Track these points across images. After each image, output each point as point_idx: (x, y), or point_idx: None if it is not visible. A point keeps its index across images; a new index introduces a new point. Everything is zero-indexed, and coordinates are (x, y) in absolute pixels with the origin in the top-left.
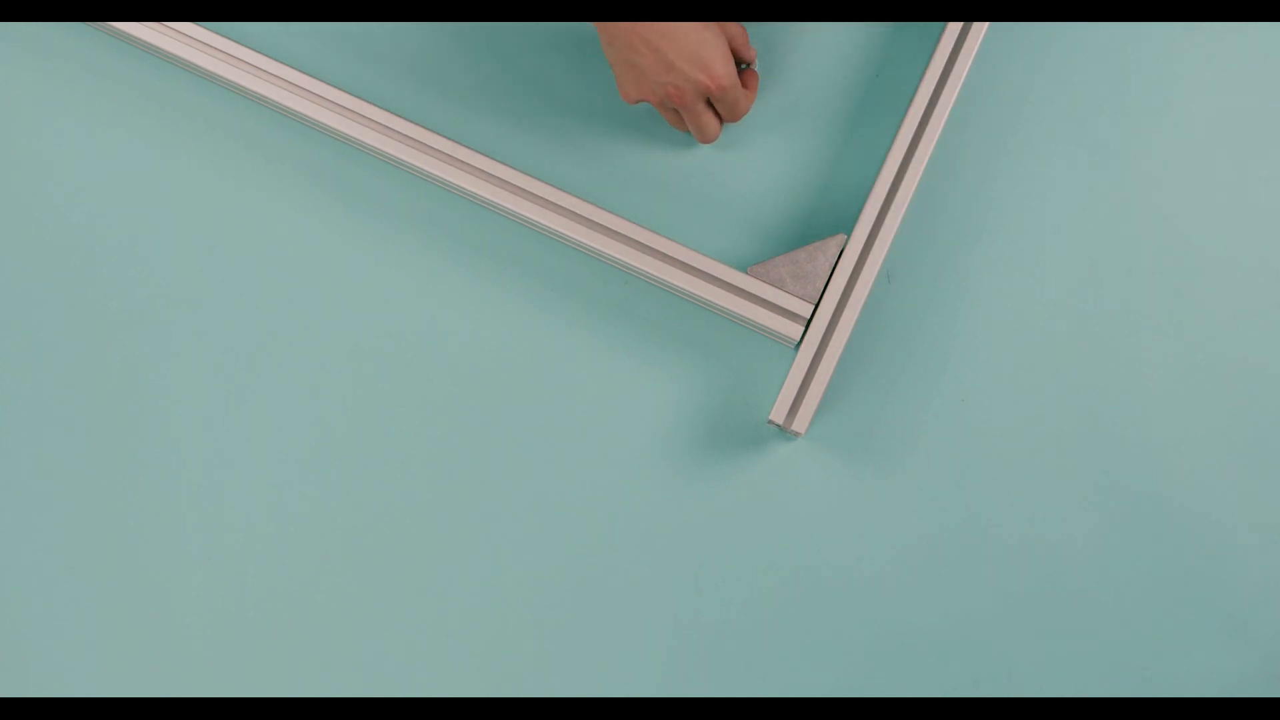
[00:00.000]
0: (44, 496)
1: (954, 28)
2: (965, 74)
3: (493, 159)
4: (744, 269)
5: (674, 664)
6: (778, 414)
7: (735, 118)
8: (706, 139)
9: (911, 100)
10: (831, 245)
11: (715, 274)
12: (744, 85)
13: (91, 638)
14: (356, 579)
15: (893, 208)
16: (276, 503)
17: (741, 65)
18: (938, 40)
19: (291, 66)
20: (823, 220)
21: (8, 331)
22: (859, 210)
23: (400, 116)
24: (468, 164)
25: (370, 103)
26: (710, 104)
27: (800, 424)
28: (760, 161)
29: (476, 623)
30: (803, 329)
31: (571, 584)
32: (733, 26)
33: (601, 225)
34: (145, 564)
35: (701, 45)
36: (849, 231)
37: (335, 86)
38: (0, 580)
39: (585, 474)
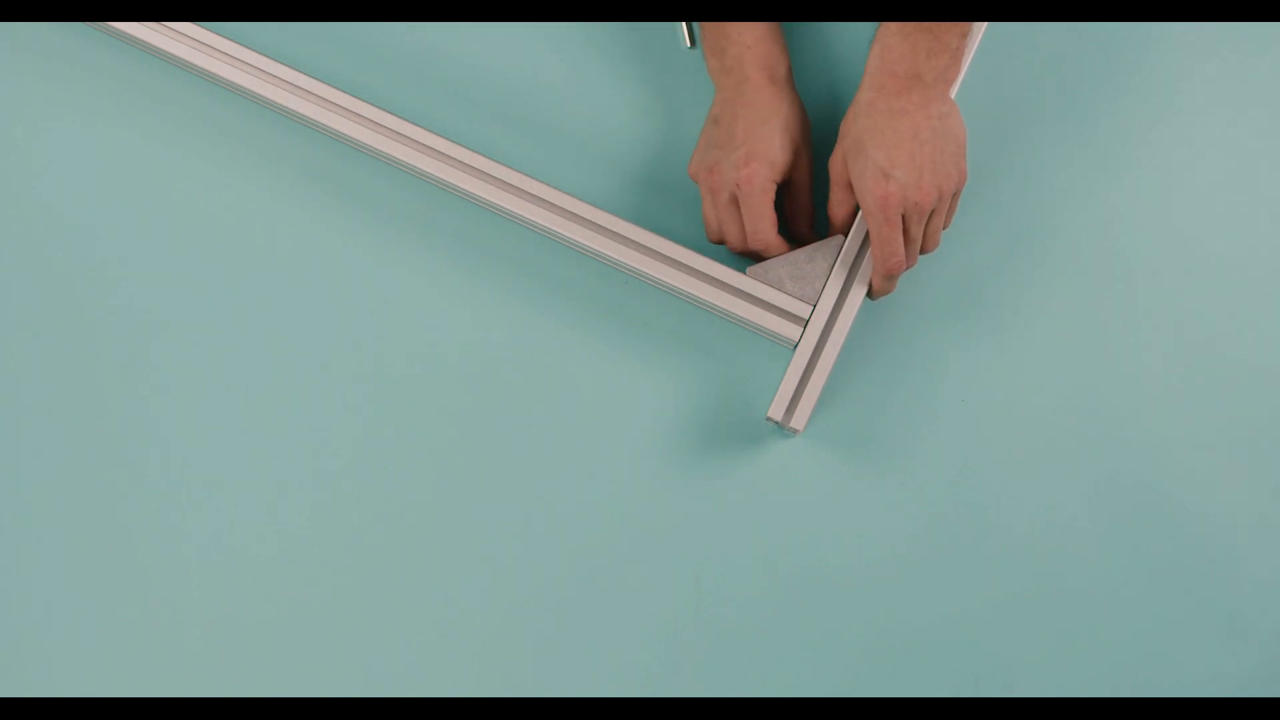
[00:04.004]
0: (44, 497)
1: None
2: (965, 74)
3: (492, 159)
4: (743, 270)
5: (674, 663)
6: (776, 410)
7: (751, 237)
8: (709, 232)
9: None
10: (831, 245)
11: (714, 275)
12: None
13: (92, 638)
14: (355, 578)
15: None
16: (276, 502)
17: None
18: None
19: (292, 67)
20: (822, 221)
21: (7, 332)
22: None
23: (400, 117)
24: (468, 164)
25: (370, 103)
26: (737, 211)
27: (799, 421)
28: None
29: (476, 623)
30: (801, 330)
31: (571, 583)
32: (803, 175)
33: (601, 225)
34: (145, 563)
35: (768, 139)
36: (848, 232)
37: (335, 87)
38: (1, 581)
39: (585, 473)
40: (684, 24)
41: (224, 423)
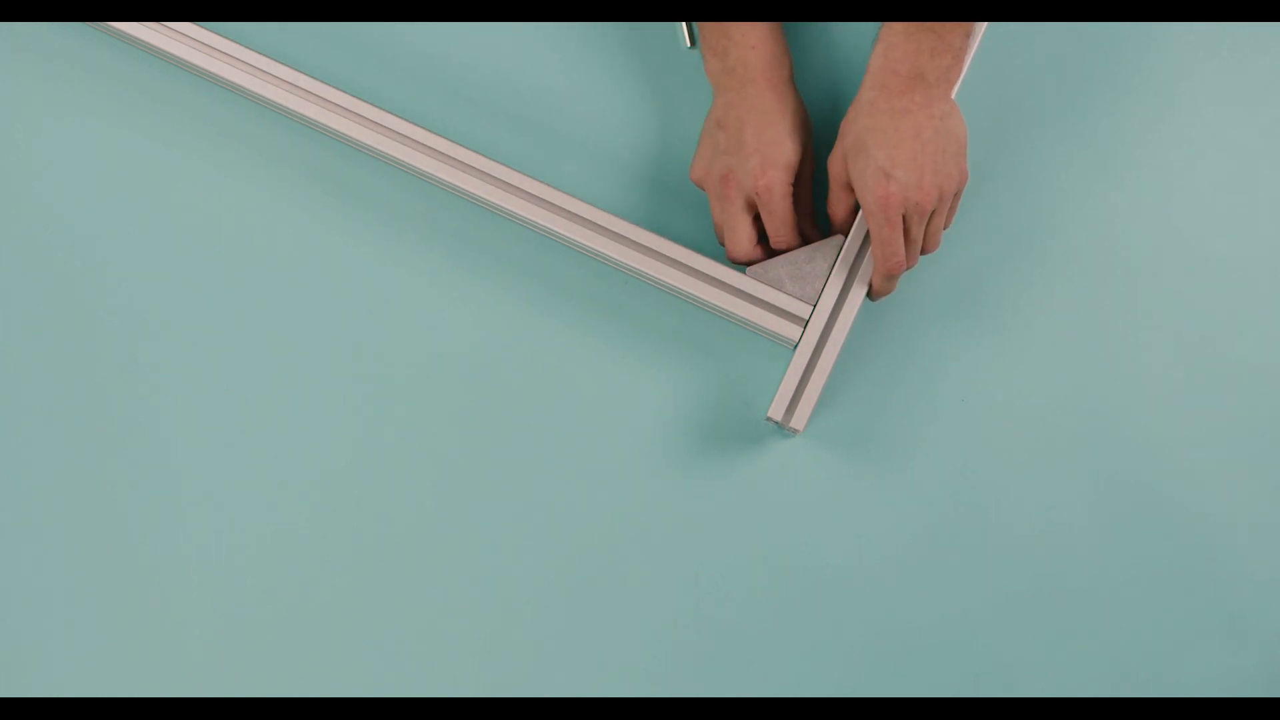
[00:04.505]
0: (44, 497)
1: None
2: (965, 74)
3: (492, 159)
4: (743, 270)
5: (674, 663)
6: (776, 410)
7: (775, 241)
8: (734, 247)
9: None
10: (831, 245)
11: (714, 275)
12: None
13: (92, 638)
14: (355, 578)
15: None
16: (276, 502)
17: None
18: None
19: (292, 67)
20: (822, 221)
21: (7, 332)
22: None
23: (400, 117)
24: (468, 165)
25: (370, 103)
26: (756, 218)
27: (799, 421)
28: None
29: (477, 622)
30: (801, 330)
31: (572, 583)
32: (806, 171)
33: (601, 225)
34: (145, 563)
35: (780, 144)
36: (848, 231)
37: (335, 87)
38: (2, 582)
39: (585, 473)
40: (684, 24)
41: (224, 422)
